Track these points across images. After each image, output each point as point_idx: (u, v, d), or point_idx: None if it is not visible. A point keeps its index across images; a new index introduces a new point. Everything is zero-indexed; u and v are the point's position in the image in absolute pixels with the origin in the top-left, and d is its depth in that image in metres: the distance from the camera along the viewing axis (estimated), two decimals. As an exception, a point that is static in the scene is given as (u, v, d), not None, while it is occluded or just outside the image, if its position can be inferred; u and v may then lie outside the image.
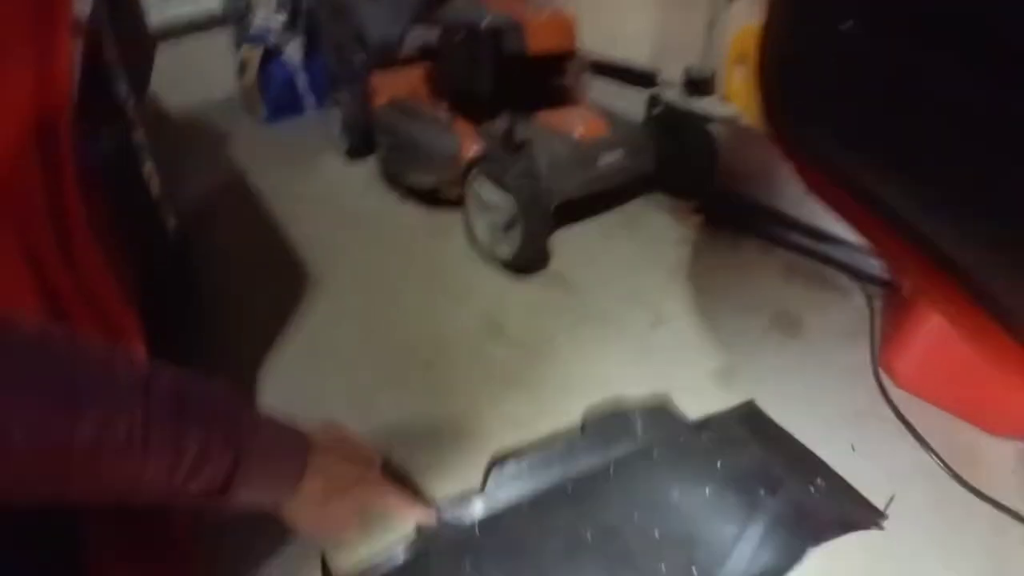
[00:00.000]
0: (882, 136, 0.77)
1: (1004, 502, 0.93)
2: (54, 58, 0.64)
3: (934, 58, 0.62)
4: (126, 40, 1.37)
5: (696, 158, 1.70)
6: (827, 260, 1.47)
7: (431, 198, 1.77)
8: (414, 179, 1.72)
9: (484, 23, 1.51)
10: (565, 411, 1.09)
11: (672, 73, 1.83)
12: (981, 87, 0.57)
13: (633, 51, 2.12)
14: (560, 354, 1.24)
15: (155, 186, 1.28)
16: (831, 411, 1.09)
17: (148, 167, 1.26)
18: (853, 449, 1.02)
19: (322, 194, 1.96)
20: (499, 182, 1.40)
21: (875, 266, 1.39)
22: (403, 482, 0.67)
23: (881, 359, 1.19)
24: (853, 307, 1.34)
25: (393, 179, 1.89)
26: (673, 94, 1.80)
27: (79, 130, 0.71)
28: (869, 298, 1.35)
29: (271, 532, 0.89)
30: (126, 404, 0.38)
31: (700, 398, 1.12)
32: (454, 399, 1.14)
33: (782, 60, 0.93)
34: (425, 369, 1.22)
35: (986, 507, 0.93)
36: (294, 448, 0.53)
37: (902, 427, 1.06)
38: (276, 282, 1.54)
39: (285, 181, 2.04)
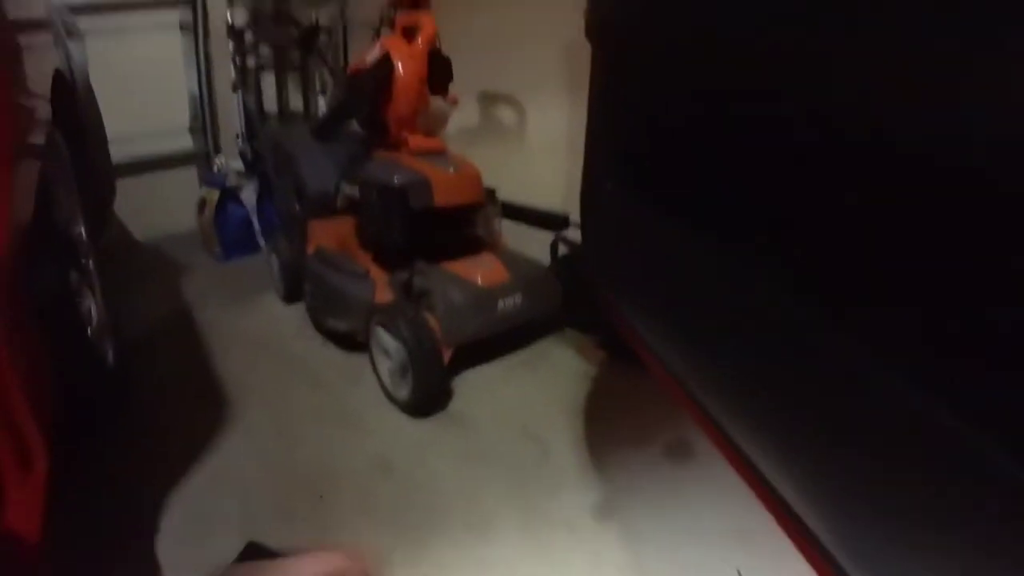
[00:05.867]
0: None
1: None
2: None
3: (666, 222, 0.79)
4: (85, 181, 1.52)
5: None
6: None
7: (351, 342, 1.91)
8: (333, 324, 1.88)
9: (394, 181, 1.70)
10: (438, 550, 1.18)
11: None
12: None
13: (547, 195, 2.35)
14: (442, 491, 1.34)
15: (96, 320, 1.39)
16: (715, 533, 1.15)
17: (88, 305, 1.36)
18: (739, 574, 1.05)
19: (256, 333, 2.10)
20: (391, 330, 1.56)
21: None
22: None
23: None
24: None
25: (317, 323, 2.04)
26: (577, 235, 2.00)
27: (16, 267, 0.78)
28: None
29: None
30: None
31: (574, 531, 1.20)
32: (337, 534, 1.23)
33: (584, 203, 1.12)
34: (315, 503, 1.32)
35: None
36: None
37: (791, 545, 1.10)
38: (199, 414, 1.65)
39: (225, 319, 2.19)
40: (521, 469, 1.40)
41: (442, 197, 1.74)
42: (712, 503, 1.23)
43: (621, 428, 1.51)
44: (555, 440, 1.49)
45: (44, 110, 1.23)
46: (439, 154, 1.91)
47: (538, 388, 1.72)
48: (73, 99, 1.58)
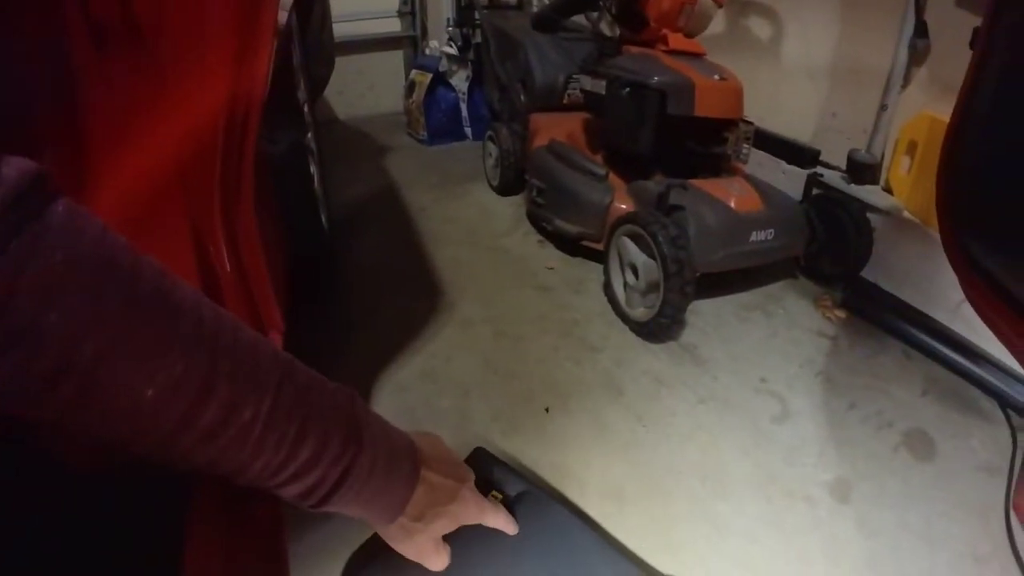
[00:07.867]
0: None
1: None
2: (255, 58, 0.66)
3: None
4: (311, 48, 1.49)
5: (849, 248, 1.62)
6: (973, 380, 1.36)
7: (572, 246, 1.79)
8: (559, 225, 1.74)
9: (653, 80, 1.51)
10: (671, 494, 1.07)
11: (832, 154, 1.78)
12: None
13: (795, 125, 2.06)
14: (676, 431, 1.22)
15: (317, 186, 1.39)
16: (949, 552, 1.00)
17: (313, 168, 1.36)
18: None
19: (467, 223, 2.03)
20: (647, 244, 1.40)
21: (1026, 395, 1.27)
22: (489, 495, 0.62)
23: (1016, 502, 1.08)
24: (994, 438, 1.23)
25: (537, 221, 1.92)
26: (833, 177, 1.73)
27: (261, 126, 0.74)
28: (1013, 431, 1.24)
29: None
30: (256, 392, 0.36)
31: (813, 507, 1.07)
32: (563, 453, 1.15)
33: (974, 165, 0.87)
34: (539, 416, 1.24)
35: None
36: (406, 471, 0.48)
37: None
38: (409, 297, 1.61)
39: (433, 204, 2.14)
40: (758, 426, 1.25)
41: (704, 106, 1.53)
42: (948, 517, 1.07)
43: (862, 404, 1.32)
44: (794, 401, 1.32)
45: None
46: (698, 58, 1.67)
47: (774, 339, 1.52)
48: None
